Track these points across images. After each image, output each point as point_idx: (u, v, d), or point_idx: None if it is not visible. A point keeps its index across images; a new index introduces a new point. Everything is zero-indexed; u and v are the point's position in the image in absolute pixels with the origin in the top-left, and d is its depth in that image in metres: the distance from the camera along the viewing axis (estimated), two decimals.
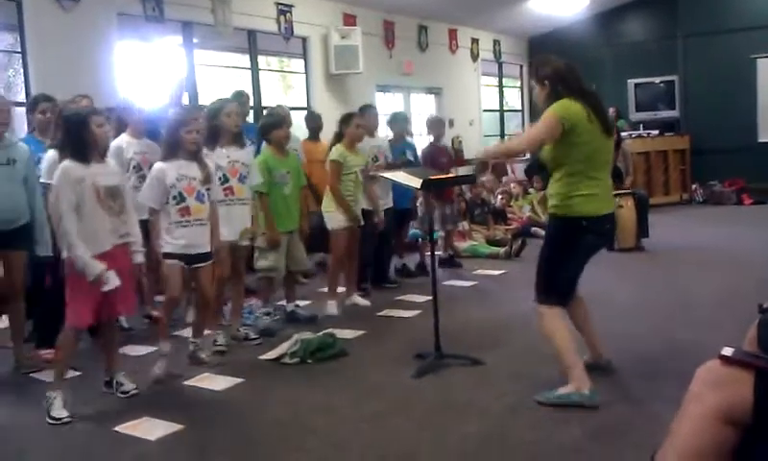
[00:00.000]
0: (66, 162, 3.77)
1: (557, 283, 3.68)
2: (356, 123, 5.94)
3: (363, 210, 6.08)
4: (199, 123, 4.48)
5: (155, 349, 4.61)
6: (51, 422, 3.71)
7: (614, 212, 3.84)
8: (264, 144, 5.71)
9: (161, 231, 4.29)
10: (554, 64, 3.73)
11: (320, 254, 7.49)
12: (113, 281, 3.76)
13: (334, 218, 5.85)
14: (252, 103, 9.00)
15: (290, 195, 5.39)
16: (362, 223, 6.02)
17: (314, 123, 7.37)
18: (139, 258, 4.04)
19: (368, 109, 6.69)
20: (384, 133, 7.47)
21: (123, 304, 4.02)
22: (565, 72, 3.69)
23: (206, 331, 4.71)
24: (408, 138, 7.56)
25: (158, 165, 4.35)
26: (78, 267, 3.70)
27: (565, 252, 3.65)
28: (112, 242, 3.86)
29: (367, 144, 6.31)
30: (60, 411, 3.74)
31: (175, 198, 4.27)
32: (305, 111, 8.91)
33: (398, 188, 6.60)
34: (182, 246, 4.28)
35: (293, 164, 5.49)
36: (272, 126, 5.44)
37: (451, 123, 12.64)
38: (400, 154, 6.93)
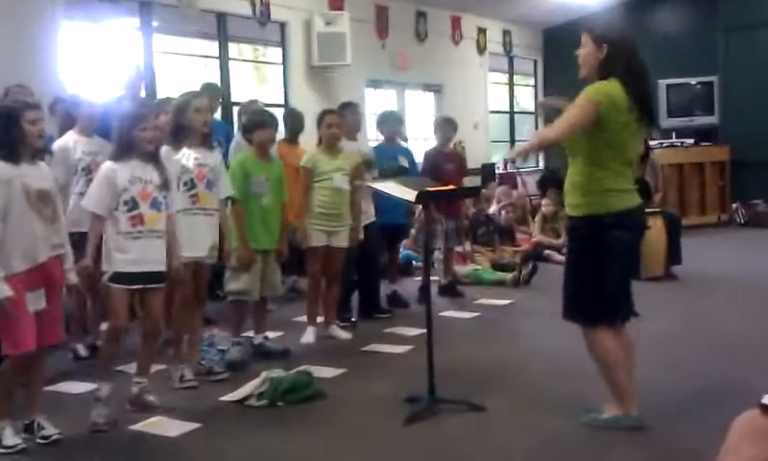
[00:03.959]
0: None
1: (598, 298, 3.73)
2: (327, 122, 5.96)
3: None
4: (156, 119, 4.49)
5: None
6: (3, 451, 3.78)
7: (642, 206, 3.98)
8: (235, 144, 5.64)
9: (109, 244, 4.23)
10: (624, 32, 3.85)
11: (293, 278, 7.46)
12: (39, 302, 3.77)
13: (309, 234, 5.87)
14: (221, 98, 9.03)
15: (268, 208, 5.39)
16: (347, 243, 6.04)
17: (294, 123, 7.37)
18: (73, 278, 4.07)
19: (347, 108, 6.68)
20: (372, 136, 7.48)
21: (52, 332, 3.99)
22: (632, 44, 3.80)
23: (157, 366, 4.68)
24: (401, 142, 7.57)
25: (108, 165, 4.31)
26: None
27: (595, 257, 3.71)
28: (47, 253, 3.87)
29: (346, 147, 6.26)
30: (12, 439, 3.84)
31: (126, 203, 4.21)
32: (282, 109, 8.92)
33: (390, 201, 6.58)
34: (131, 262, 4.22)
35: (275, 172, 5.50)
36: (257, 125, 5.51)
37: None
38: (392, 159, 6.95)
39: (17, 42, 6.98)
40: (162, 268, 4.37)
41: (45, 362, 4.15)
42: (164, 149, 4.80)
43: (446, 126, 7.70)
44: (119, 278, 4.22)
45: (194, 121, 4.89)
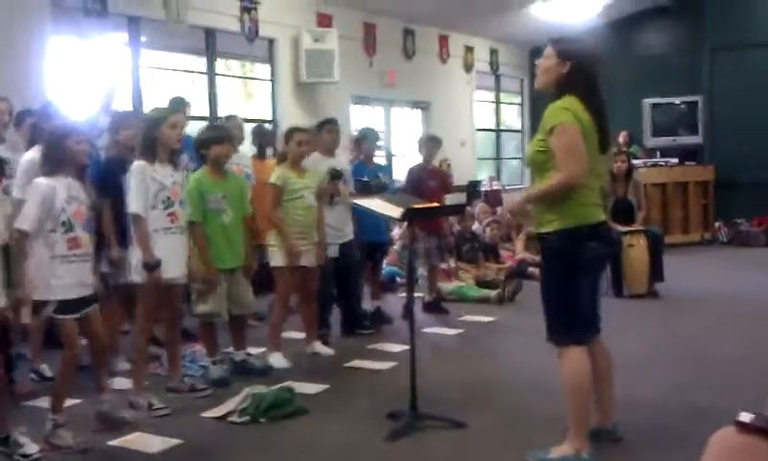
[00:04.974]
0: None
1: (573, 316, 3.68)
2: (297, 140, 5.91)
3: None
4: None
5: (78, 401, 4.58)
6: None
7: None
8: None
9: (41, 271, 3.99)
10: (587, 48, 3.81)
11: (272, 295, 7.42)
12: None
13: (278, 254, 5.77)
14: (208, 113, 9.04)
15: (230, 225, 5.29)
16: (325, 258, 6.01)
17: (261, 138, 7.39)
18: (1, 302, 3.83)
19: (325, 125, 6.65)
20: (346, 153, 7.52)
21: None
22: (595, 64, 3.77)
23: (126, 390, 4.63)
24: (379, 159, 7.55)
25: (45, 181, 4.04)
26: None
27: (572, 272, 3.65)
28: None
29: (323, 164, 6.30)
30: None
31: (63, 224, 3.99)
32: (266, 124, 8.93)
33: (372, 217, 6.58)
34: (72, 287, 4.03)
35: (232, 188, 5.37)
36: (211, 140, 5.33)
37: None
38: (373, 176, 6.91)
39: (4, 56, 6.96)
40: (92, 289, 4.22)
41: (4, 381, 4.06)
42: (139, 164, 4.71)
43: (430, 143, 7.75)
44: (65, 307, 4.03)
45: (168, 137, 4.77)
